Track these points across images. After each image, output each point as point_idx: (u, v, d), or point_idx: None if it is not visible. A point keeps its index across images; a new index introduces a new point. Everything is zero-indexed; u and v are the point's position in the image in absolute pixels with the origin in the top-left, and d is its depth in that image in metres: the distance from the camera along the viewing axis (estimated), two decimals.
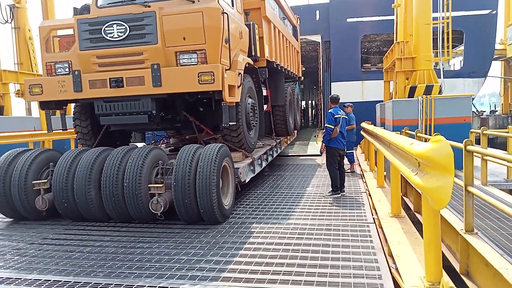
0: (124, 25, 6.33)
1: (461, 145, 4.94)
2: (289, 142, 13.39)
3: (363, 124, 10.79)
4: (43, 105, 7.15)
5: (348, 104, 10.39)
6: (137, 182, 5.54)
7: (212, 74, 6.03)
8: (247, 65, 7.63)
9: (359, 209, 6.43)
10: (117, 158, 5.80)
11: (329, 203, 6.91)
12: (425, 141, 7.95)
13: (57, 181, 5.91)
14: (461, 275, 4.80)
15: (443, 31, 12.33)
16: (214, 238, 5.15)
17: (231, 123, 6.62)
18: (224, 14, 6.40)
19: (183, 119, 7.56)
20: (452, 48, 13.70)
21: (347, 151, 10.15)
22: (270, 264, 4.20)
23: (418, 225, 5.77)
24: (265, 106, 9.84)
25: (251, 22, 8.13)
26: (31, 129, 14.89)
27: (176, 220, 5.88)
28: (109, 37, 6.41)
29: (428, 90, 11.64)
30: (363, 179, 9.07)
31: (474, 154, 4.93)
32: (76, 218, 6.14)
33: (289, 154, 13.78)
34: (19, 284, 3.98)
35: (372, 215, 6.05)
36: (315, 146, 15.03)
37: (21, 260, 4.67)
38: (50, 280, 4.03)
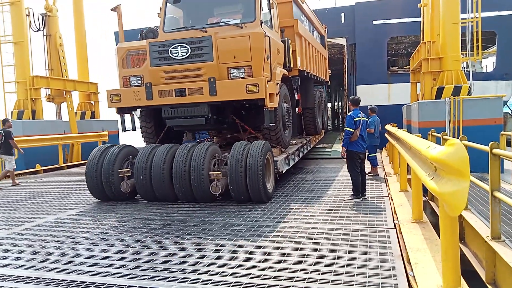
0: (187, 47, 7.81)
1: (487, 148, 4.72)
2: (317, 140, 14.43)
3: (387, 127, 10.54)
4: (119, 110, 8.81)
5: (370, 107, 10.16)
6: (200, 170, 7.05)
7: (257, 85, 7.44)
8: (283, 75, 8.94)
9: (380, 213, 6.25)
10: (185, 152, 7.32)
11: (350, 207, 6.76)
12: None
13: (138, 169, 7.45)
14: (487, 284, 4.58)
15: (472, 31, 11.89)
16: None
17: (271, 124, 8.00)
18: (267, 37, 7.75)
19: (230, 121, 9.03)
20: (483, 49, 13.19)
21: (370, 155, 9.94)
22: (284, 269, 4.12)
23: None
24: (296, 109, 11.14)
25: (286, 39, 9.44)
26: (61, 132, 15.40)
27: (229, 200, 7.35)
28: (174, 56, 7.89)
29: (457, 91, 11.25)
30: (387, 183, 8.83)
31: (504, 157, 4.69)
32: (151, 199, 7.67)
33: (315, 157, 13.63)
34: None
35: (393, 220, 5.86)
36: (338, 148, 14.83)
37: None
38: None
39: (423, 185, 5.64)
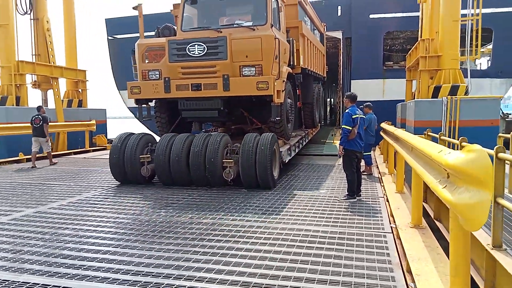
0: (203, 45, 8.43)
1: (491, 152, 4.46)
2: (314, 133, 15.22)
3: (383, 125, 10.29)
4: (138, 101, 9.53)
5: (366, 104, 9.88)
6: (215, 157, 7.80)
7: (267, 83, 8.13)
8: (287, 73, 9.53)
9: (376, 216, 6.00)
10: (201, 141, 8.08)
11: (344, 208, 6.50)
12: (451, 146, 7.44)
13: (159, 155, 8.18)
14: None
15: (471, 29, 11.63)
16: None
17: (277, 118, 8.73)
18: (276, 39, 8.41)
19: (238, 114, 9.79)
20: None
21: (365, 153, 9.68)
22: (275, 277, 3.84)
23: (436, 233, 5.31)
24: (297, 103, 11.90)
25: (291, 39, 10.12)
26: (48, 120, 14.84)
27: (240, 186, 8.03)
28: (191, 53, 8.52)
29: (454, 90, 11.03)
30: (381, 183, 8.60)
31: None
32: (169, 183, 8.40)
33: (307, 153, 13.38)
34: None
35: (390, 223, 5.61)
36: (331, 145, 14.64)
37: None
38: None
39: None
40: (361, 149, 7.23)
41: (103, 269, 4.10)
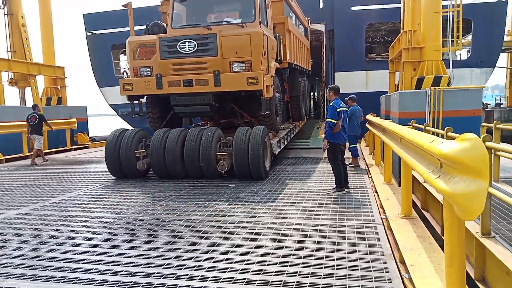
0: (194, 42, 8.64)
1: None
2: (301, 126, 15.59)
3: (369, 117, 10.33)
4: (130, 97, 9.67)
5: (350, 96, 9.88)
6: (209, 151, 8.09)
7: (256, 78, 8.41)
8: (275, 68, 9.82)
9: (366, 207, 6.01)
10: (195, 135, 8.34)
11: (333, 201, 6.49)
12: (437, 135, 7.49)
13: (154, 149, 8.40)
14: (476, 281, 4.42)
15: (453, 20, 11.72)
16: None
17: (267, 112, 9.00)
18: (265, 36, 8.65)
19: (229, 109, 9.99)
20: (458, 38, 13.07)
21: (351, 146, 9.73)
22: (269, 272, 3.78)
23: (424, 223, 5.34)
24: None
25: (278, 34, 10.38)
26: (25, 119, 14.44)
27: (233, 177, 8.32)
28: (182, 50, 8.70)
29: (437, 81, 11.12)
30: (369, 174, 8.63)
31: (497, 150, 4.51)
32: (164, 176, 8.62)
33: (293, 147, 13.38)
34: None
35: (380, 214, 5.62)
36: (317, 138, 14.67)
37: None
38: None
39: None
40: (345, 142, 7.23)
41: (91, 270, 3.97)
